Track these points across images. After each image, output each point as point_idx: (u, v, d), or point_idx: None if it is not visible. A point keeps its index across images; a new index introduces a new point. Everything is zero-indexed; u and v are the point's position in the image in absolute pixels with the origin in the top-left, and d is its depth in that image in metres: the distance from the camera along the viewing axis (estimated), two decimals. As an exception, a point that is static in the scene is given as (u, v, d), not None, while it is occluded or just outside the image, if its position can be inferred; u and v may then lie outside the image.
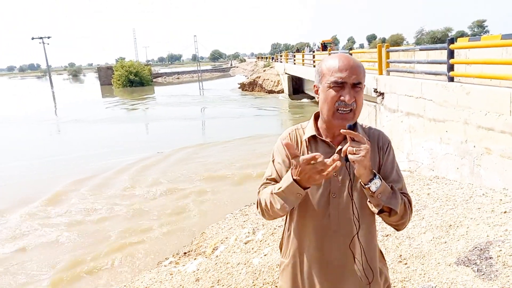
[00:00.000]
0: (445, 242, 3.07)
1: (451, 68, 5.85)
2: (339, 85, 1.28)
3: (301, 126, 1.45)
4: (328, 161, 1.15)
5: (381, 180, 1.22)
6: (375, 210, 1.26)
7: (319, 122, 1.41)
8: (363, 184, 1.23)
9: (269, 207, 1.31)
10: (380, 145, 1.38)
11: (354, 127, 1.29)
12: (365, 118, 9.46)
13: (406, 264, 2.96)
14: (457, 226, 3.29)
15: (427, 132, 6.31)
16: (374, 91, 8.74)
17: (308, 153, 1.34)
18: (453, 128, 5.49)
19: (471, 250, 2.87)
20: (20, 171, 10.26)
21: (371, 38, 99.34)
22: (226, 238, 4.92)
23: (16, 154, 12.62)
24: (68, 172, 9.89)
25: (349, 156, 1.19)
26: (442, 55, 6.76)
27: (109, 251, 5.61)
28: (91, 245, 5.86)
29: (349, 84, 1.28)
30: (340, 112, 1.29)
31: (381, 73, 8.64)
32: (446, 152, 5.68)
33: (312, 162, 1.15)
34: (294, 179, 1.21)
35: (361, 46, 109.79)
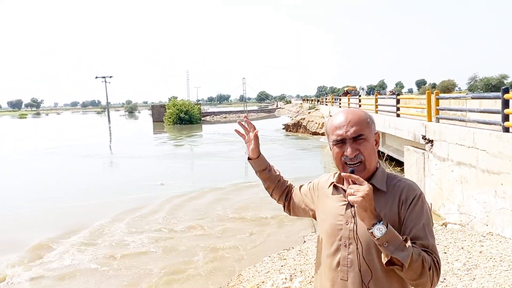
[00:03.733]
0: (499, 308, 2.81)
1: (506, 118, 5.60)
2: (340, 142, 1.36)
3: (337, 173, 1.52)
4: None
5: (387, 227, 1.19)
6: (384, 260, 1.22)
7: None
8: (368, 230, 1.22)
9: None
10: (402, 198, 1.33)
11: (373, 174, 1.37)
12: (412, 164, 9.13)
13: (454, 328, 2.72)
14: (513, 291, 3.01)
15: (480, 184, 5.96)
16: (422, 138, 8.48)
17: (331, 195, 1.47)
18: (509, 181, 5.15)
19: (529, 319, 2.60)
20: (71, 200, 10.86)
21: (420, 83, 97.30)
22: (263, 282, 4.81)
23: (66, 185, 13.45)
24: (113, 204, 10.32)
25: (348, 198, 1.22)
26: (497, 104, 6.50)
27: None
28: (130, 280, 5.96)
29: (349, 139, 1.34)
30: (348, 165, 1.35)
31: (430, 120, 8.42)
32: (502, 207, 5.30)
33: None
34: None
35: (410, 91, 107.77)
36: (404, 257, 1.17)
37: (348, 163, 1.34)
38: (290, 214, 1.78)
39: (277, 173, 1.76)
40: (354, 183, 1.23)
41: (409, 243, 1.20)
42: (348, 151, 1.33)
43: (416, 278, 1.21)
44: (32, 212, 9.84)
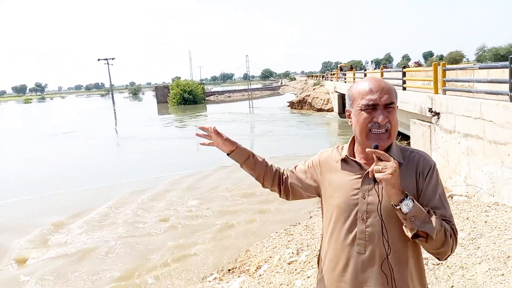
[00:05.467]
0: (502, 275, 2.84)
1: (513, 87, 5.50)
2: (370, 107, 1.31)
3: (342, 147, 1.50)
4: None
5: (413, 201, 1.20)
6: (409, 234, 1.22)
7: (356, 144, 1.44)
8: (394, 206, 1.21)
9: None
10: (419, 170, 1.33)
11: (388, 148, 1.34)
12: (419, 138, 9.08)
13: (458, 296, 2.77)
14: (518, 258, 3.04)
15: (487, 155, 5.92)
16: (429, 111, 8.40)
17: (340, 170, 1.43)
18: (516, 151, 5.11)
19: (533, 285, 2.64)
20: (79, 182, 11.03)
21: (427, 56, 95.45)
22: (270, 257, 4.91)
23: (75, 165, 13.63)
24: (121, 185, 10.46)
25: (376, 175, 1.19)
26: (504, 73, 6.38)
27: (158, 264, 5.80)
28: (141, 258, 6.10)
29: (381, 105, 1.31)
30: (373, 132, 1.31)
31: (436, 92, 8.30)
32: (508, 177, 5.29)
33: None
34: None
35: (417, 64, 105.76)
36: (431, 229, 1.19)
37: (374, 130, 1.31)
38: (287, 199, 1.67)
39: (263, 158, 1.67)
40: (379, 159, 1.20)
41: (433, 215, 1.21)
42: (381, 118, 1.29)
43: (439, 248, 1.23)
44: (42, 196, 10.03)
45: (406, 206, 1.18)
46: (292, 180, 1.62)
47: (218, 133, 1.58)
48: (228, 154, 1.63)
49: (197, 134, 1.63)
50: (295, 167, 1.65)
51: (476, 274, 2.94)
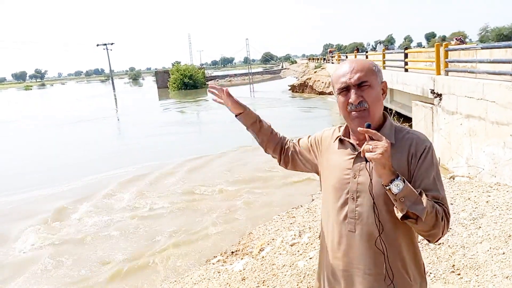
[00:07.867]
0: (503, 253, 2.87)
1: (516, 67, 5.44)
2: (344, 90, 1.34)
3: (342, 127, 1.50)
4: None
5: (404, 182, 1.19)
6: (399, 214, 1.22)
7: None
8: (384, 186, 1.21)
9: None
10: (412, 151, 1.31)
11: (381, 127, 1.35)
12: (420, 120, 9.05)
13: (459, 274, 2.81)
14: (518, 237, 3.07)
15: (489, 136, 5.91)
16: (431, 92, 8.34)
17: (337, 150, 1.46)
18: (518, 131, 5.09)
19: (533, 263, 2.67)
20: (81, 167, 11.09)
21: (430, 37, 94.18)
22: (273, 239, 4.96)
23: (79, 152, 13.68)
24: (125, 169, 10.52)
25: (366, 154, 1.19)
26: (507, 53, 6.31)
27: (162, 248, 5.88)
28: (145, 241, 6.18)
29: (353, 85, 1.32)
30: (354, 114, 1.33)
31: (439, 73, 8.24)
32: (510, 158, 5.29)
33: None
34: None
35: (419, 45, 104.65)
36: (421, 211, 1.17)
37: (353, 111, 1.32)
38: (286, 168, 1.73)
39: (268, 124, 1.74)
40: (371, 138, 1.19)
41: (424, 197, 1.20)
42: (352, 97, 1.31)
43: (429, 230, 1.22)
44: (45, 185, 10.11)
45: (396, 186, 1.17)
46: (294, 152, 1.67)
47: (229, 95, 1.67)
48: (236, 116, 1.71)
49: (209, 91, 1.75)
50: (298, 140, 1.70)
51: (477, 253, 2.98)
